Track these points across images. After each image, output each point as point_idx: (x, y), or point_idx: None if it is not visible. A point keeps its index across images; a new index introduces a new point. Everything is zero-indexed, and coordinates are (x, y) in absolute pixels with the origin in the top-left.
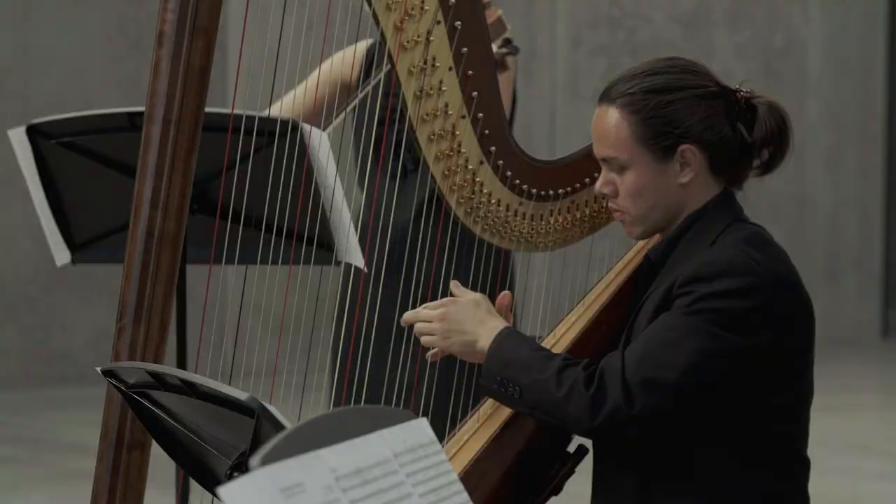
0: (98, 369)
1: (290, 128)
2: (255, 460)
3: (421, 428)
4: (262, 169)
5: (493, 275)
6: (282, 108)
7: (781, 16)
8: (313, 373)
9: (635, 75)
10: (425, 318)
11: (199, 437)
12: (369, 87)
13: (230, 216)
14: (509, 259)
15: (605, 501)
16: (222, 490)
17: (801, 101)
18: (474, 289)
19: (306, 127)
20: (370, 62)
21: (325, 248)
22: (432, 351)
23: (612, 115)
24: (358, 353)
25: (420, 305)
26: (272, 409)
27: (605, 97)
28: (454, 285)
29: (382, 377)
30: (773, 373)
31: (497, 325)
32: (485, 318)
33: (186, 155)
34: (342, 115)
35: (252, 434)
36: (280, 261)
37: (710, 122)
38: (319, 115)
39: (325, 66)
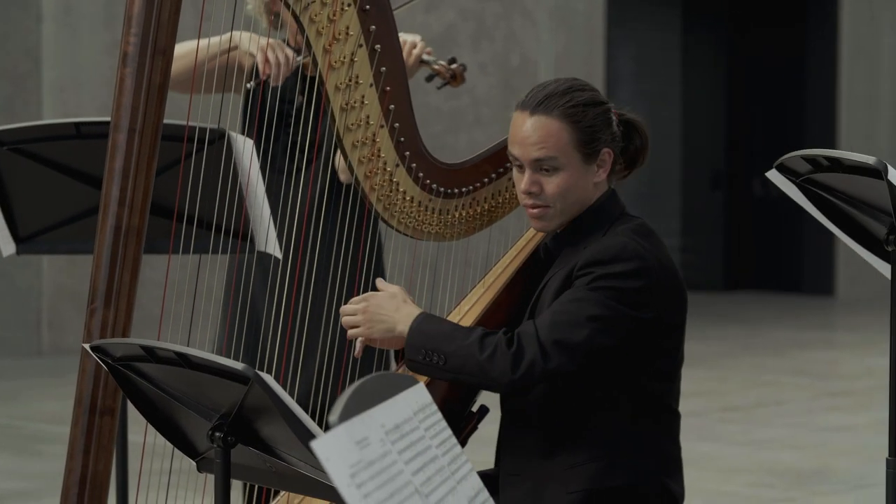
0: (86, 346)
1: (219, 135)
2: (333, 418)
3: (422, 391)
4: (195, 170)
5: (373, 267)
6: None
7: (517, 39)
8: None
9: (565, 91)
10: (350, 313)
11: (182, 403)
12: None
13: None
14: (381, 253)
15: (510, 457)
16: (315, 444)
17: None
18: (353, 277)
19: (233, 134)
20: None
21: (245, 239)
22: (357, 349)
23: (552, 124)
24: (241, 339)
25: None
26: (265, 376)
27: (541, 109)
28: (379, 282)
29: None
30: (654, 342)
31: (413, 310)
32: (401, 305)
33: (148, 159)
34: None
35: (241, 398)
36: (210, 251)
37: (615, 133)
38: (200, 76)
39: (244, 37)
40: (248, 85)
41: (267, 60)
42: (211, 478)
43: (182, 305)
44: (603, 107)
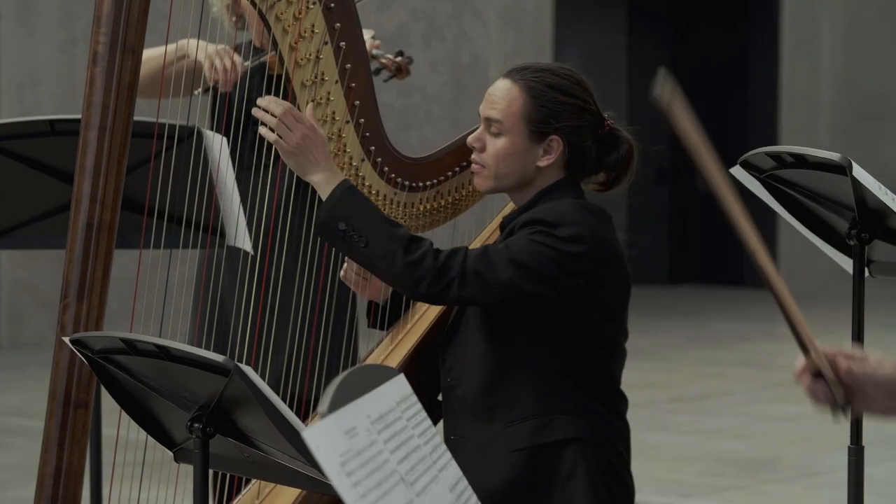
0: (66, 339)
1: (193, 133)
2: (323, 408)
3: (402, 382)
4: (169, 167)
5: (337, 260)
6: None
7: (467, 38)
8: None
9: (543, 70)
10: (289, 125)
11: (161, 395)
12: (253, 63)
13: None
14: None
15: (452, 420)
16: (306, 434)
17: None
18: (320, 272)
19: (206, 132)
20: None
21: (216, 233)
22: (271, 137)
23: (513, 90)
24: (211, 334)
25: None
26: (246, 368)
27: (514, 74)
28: (310, 109)
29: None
30: (587, 312)
31: (338, 171)
32: (329, 157)
33: (119, 156)
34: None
35: (221, 390)
36: (181, 245)
37: (579, 130)
38: (157, 81)
39: (191, 44)
40: (196, 92)
41: (214, 67)
42: (183, 469)
43: (143, 301)
44: (572, 98)
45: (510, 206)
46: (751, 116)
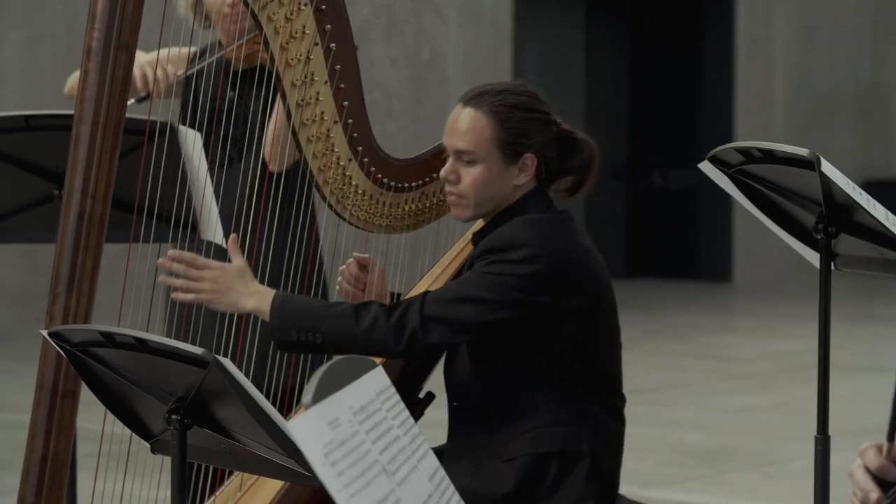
0: (44, 332)
1: (168, 128)
2: (307, 399)
3: (381, 373)
4: (143, 162)
5: (303, 251)
6: None
7: (427, 34)
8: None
9: (501, 91)
10: (195, 277)
11: (139, 387)
12: (194, 69)
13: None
14: (318, 240)
15: (456, 436)
16: (291, 424)
17: (443, 105)
18: (290, 266)
19: (181, 127)
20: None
21: (189, 227)
22: (190, 297)
23: (479, 117)
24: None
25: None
26: (224, 360)
27: (473, 102)
28: (230, 244)
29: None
30: (561, 324)
31: (263, 290)
32: (248, 283)
33: (111, 150)
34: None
35: (200, 382)
36: (152, 239)
37: (547, 143)
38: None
39: (163, 52)
40: (129, 101)
41: (145, 77)
42: (154, 460)
43: (105, 292)
44: (536, 114)
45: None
46: (706, 113)
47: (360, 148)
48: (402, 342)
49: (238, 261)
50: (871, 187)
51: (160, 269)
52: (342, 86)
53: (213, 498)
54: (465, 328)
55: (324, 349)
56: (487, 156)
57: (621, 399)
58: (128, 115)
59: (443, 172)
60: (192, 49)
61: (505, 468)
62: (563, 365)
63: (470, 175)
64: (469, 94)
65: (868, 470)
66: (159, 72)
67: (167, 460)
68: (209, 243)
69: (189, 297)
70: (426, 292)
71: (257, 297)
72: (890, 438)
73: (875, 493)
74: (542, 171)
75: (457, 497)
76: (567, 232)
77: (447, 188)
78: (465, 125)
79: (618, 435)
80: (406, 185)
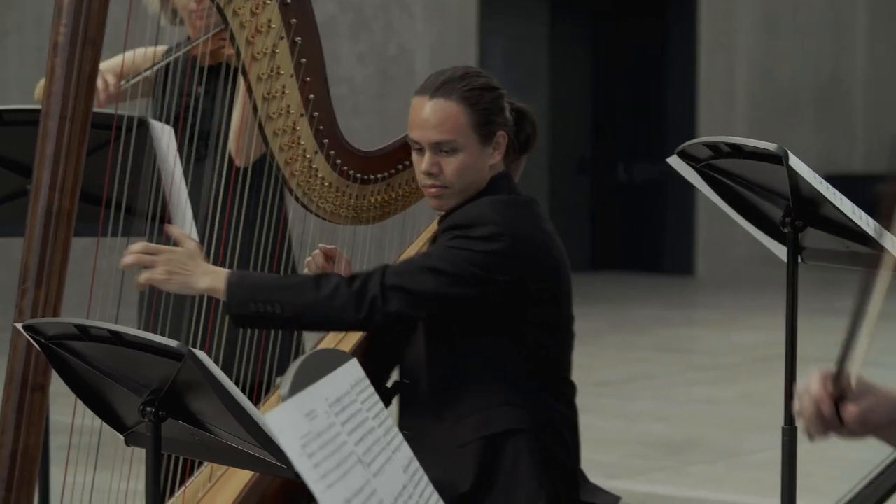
0: (18, 325)
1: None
2: (284, 391)
3: (356, 365)
4: (116, 156)
5: (272, 244)
6: None
7: (394, 29)
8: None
9: (463, 76)
10: (147, 262)
11: (114, 380)
12: (162, 64)
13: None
14: (286, 233)
15: (407, 417)
16: (269, 416)
17: (410, 101)
18: (259, 261)
19: (154, 122)
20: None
21: (161, 222)
22: (143, 279)
23: (452, 106)
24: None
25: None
26: (199, 353)
27: (440, 93)
28: (173, 229)
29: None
30: (520, 305)
31: (216, 269)
32: (200, 264)
33: (79, 145)
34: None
35: (174, 374)
36: (120, 233)
37: (507, 117)
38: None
39: (129, 54)
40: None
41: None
42: (124, 452)
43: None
44: (497, 92)
45: None
46: (670, 108)
47: (326, 140)
48: (362, 310)
49: (188, 245)
50: (832, 181)
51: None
52: (308, 79)
53: (182, 489)
54: (424, 299)
55: (282, 320)
56: (467, 141)
57: (571, 387)
58: (101, 110)
59: (424, 167)
60: (164, 47)
61: (462, 459)
62: (528, 348)
63: (452, 164)
64: (430, 86)
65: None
66: (99, 82)
67: (137, 452)
68: None
69: (143, 278)
70: (387, 264)
71: (211, 276)
72: (836, 376)
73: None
74: (511, 146)
75: (430, 488)
76: (532, 216)
77: (427, 182)
78: (438, 116)
79: (572, 421)
80: (372, 176)
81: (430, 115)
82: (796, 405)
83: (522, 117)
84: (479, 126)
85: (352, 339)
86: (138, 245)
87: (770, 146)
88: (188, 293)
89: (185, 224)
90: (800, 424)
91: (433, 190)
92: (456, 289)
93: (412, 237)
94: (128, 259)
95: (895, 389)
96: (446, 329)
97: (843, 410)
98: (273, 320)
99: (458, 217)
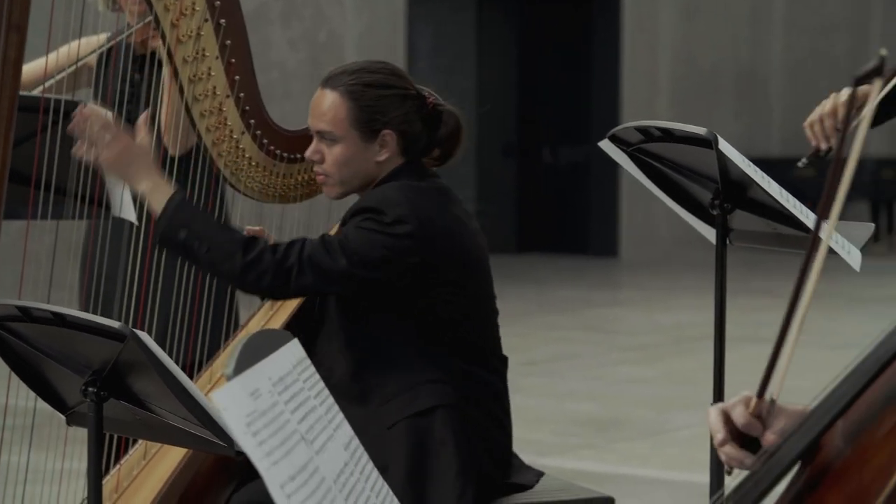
0: None
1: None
2: (228, 371)
3: (297, 345)
4: (55, 140)
5: None
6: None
7: (325, 16)
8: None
9: (356, 70)
10: (104, 138)
11: (55, 361)
12: (105, 47)
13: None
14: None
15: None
16: (215, 394)
17: None
18: None
19: (93, 106)
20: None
21: (102, 205)
22: (85, 151)
23: (335, 98)
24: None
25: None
26: (141, 334)
27: (330, 83)
28: (142, 119)
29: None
30: (431, 286)
31: (163, 180)
32: (152, 167)
33: (5, 131)
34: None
35: (116, 355)
36: (73, 216)
37: (407, 118)
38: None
39: (65, 47)
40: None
41: None
42: (60, 432)
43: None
44: (392, 90)
45: None
46: (594, 92)
47: (253, 121)
48: (279, 278)
49: (146, 140)
50: None
51: (75, 121)
52: (233, 60)
53: (117, 467)
54: (335, 278)
55: (199, 261)
56: (345, 134)
57: (502, 361)
58: (43, 94)
59: (307, 153)
60: (106, 34)
61: (391, 440)
62: (444, 327)
63: (332, 154)
64: (327, 76)
65: (735, 426)
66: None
67: (73, 432)
68: (123, 221)
69: (91, 153)
70: (305, 237)
71: (154, 183)
72: (759, 395)
73: (748, 459)
74: (404, 145)
75: (371, 465)
76: (439, 201)
77: (315, 168)
78: (323, 107)
79: (500, 394)
80: (298, 155)
81: (318, 104)
82: (717, 438)
83: (440, 120)
84: (359, 122)
85: (280, 318)
86: (99, 116)
87: (700, 130)
88: (120, 180)
89: (122, 207)
90: (722, 456)
91: (319, 177)
92: (367, 270)
93: (339, 215)
94: (81, 122)
95: (798, 405)
96: (357, 312)
97: (762, 440)
98: (193, 256)
99: (367, 200)
